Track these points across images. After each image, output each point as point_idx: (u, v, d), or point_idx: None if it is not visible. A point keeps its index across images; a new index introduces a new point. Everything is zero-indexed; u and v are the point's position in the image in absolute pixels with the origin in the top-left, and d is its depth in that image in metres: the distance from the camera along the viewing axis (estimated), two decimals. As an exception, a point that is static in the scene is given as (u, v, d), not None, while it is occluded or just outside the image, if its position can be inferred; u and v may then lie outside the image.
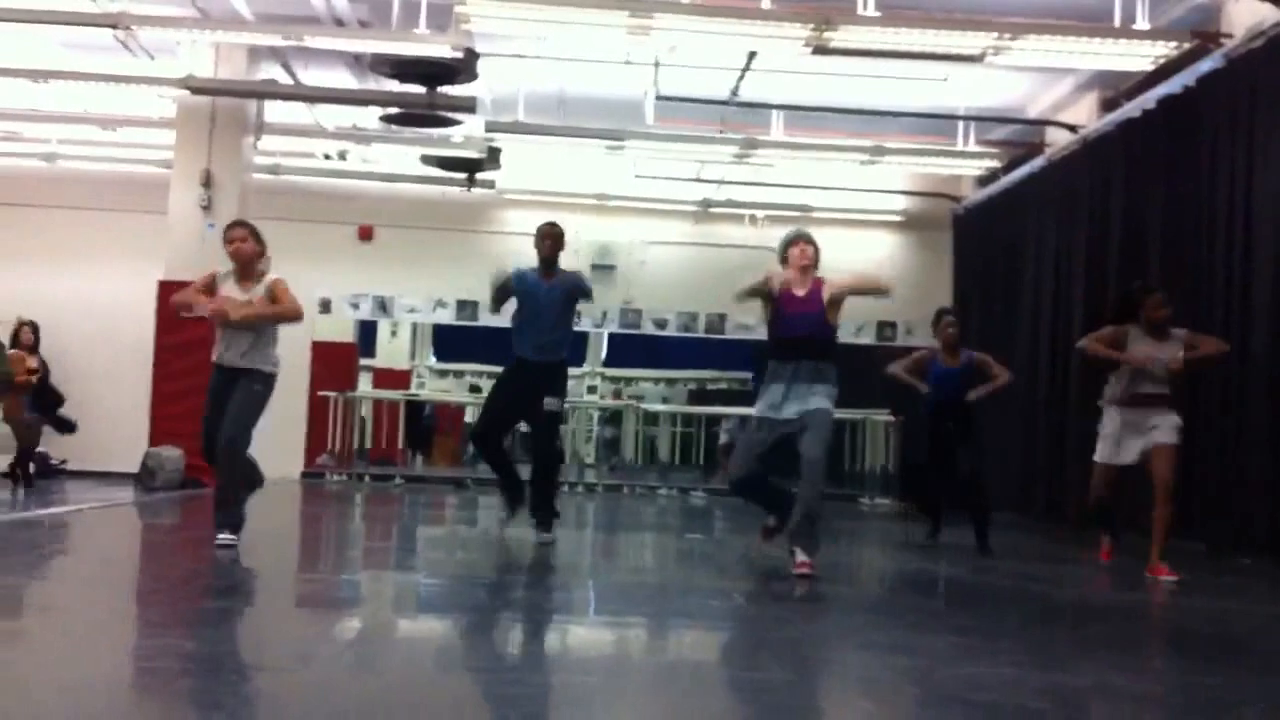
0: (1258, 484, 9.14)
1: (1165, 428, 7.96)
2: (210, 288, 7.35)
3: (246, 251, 7.29)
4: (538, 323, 8.54)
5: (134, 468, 12.89)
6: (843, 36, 10.26)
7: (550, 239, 8.63)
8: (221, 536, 7.16)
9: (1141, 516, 8.55)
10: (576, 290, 8.64)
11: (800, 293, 7.24)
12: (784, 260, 7.37)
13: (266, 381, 7.32)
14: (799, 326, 7.21)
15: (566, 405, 8.91)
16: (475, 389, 22.87)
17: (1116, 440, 8.18)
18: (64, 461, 14.80)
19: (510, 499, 8.77)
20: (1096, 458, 8.34)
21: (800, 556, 7.01)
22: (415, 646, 5.00)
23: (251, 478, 7.59)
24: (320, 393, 16.38)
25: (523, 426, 10.47)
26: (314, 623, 5.40)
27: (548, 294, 8.55)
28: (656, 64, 12.78)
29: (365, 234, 16.94)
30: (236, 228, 7.39)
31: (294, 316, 7.35)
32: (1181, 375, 8.03)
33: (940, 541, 9.83)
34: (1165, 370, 7.94)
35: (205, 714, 3.50)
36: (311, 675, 4.06)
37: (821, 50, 10.53)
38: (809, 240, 7.38)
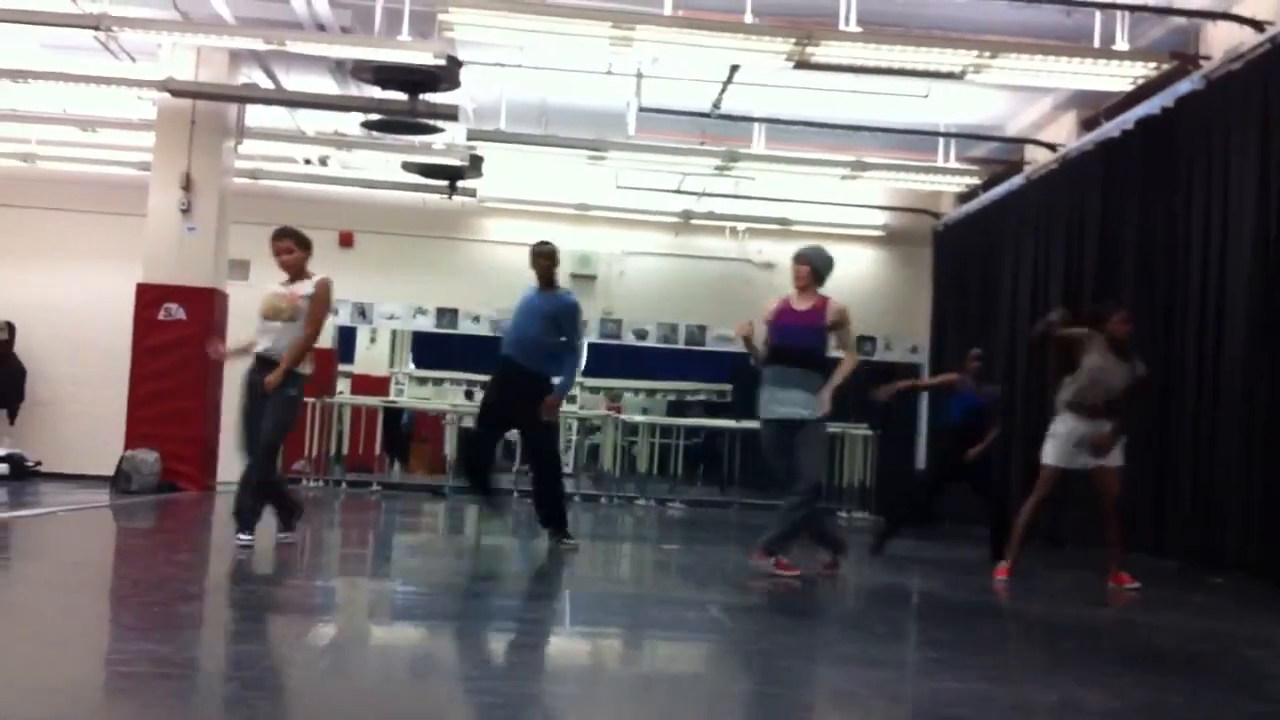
0: (1230, 503, 9.21)
1: (1115, 448, 8.17)
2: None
3: (292, 264, 7.62)
4: (520, 323, 8.86)
5: (110, 470, 12.83)
6: (824, 51, 10.31)
7: (542, 258, 8.93)
8: (243, 537, 7.49)
9: (1090, 531, 8.73)
10: (560, 310, 8.89)
11: (801, 307, 7.62)
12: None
13: (296, 382, 7.53)
14: (790, 335, 7.55)
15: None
16: (470, 395, 22.85)
17: (1067, 444, 8.26)
18: (39, 463, 14.72)
19: (488, 501, 8.95)
20: (1046, 460, 8.40)
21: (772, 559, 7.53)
22: (389, 654, 5.00)
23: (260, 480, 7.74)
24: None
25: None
26: (289, 629, 5.39)
27: (540, 304, 8.88)
28: (639, 75, 12.81)
29: (345, 240, 16.90)
30: (281, 239, 7.67)
31: (308, 344, 7.55)
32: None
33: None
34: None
35: (179, 718, 3.49)
36: (285, 681, 4.06)
37: (803, 65, 10.58)
38: (801, 260, 7.76)
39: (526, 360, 8.78)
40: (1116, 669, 5.33)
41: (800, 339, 7.53)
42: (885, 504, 16.11)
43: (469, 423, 21.36)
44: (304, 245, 7.67)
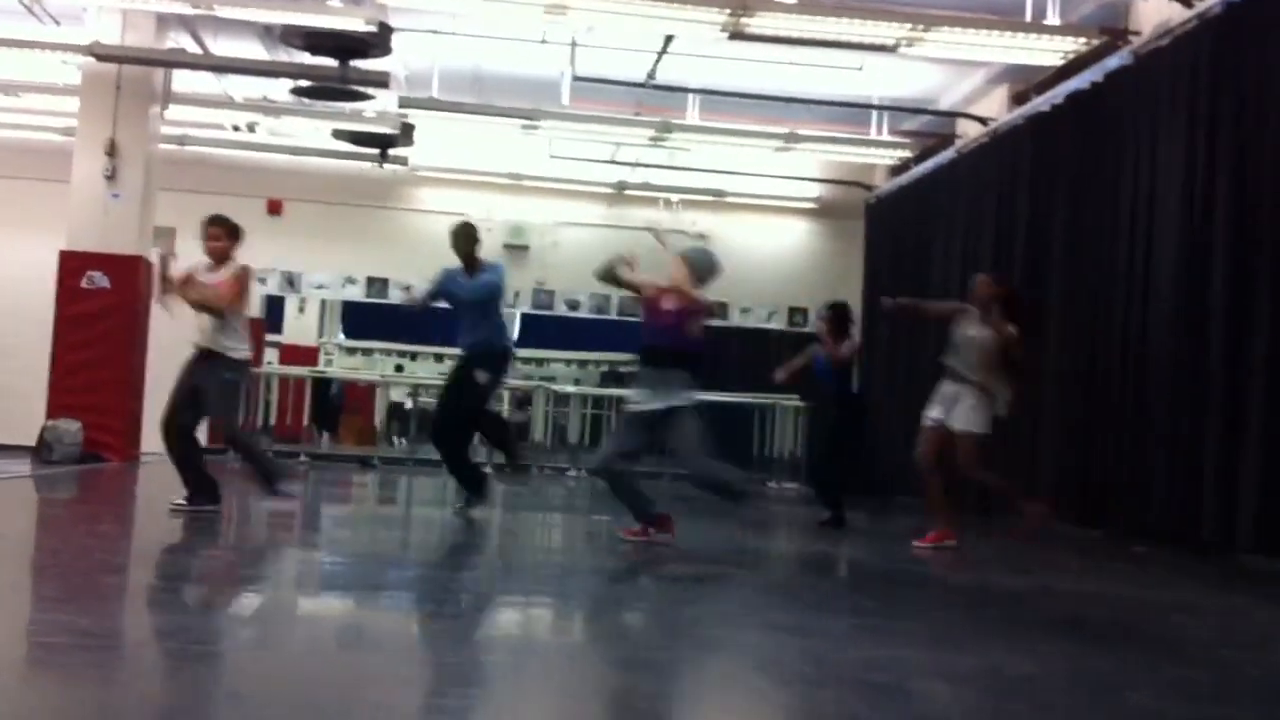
0: (1153, 474, 9.35)
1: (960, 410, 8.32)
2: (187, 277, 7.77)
3: (218, 251, 7.81)
4: (463, 316, 8.98)
5: (31, 440, 12.61)
6: (759, 22, 10.30)
7: (461, 237, 9.05)
8: (283, 488, 8.06)
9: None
10: (486, 284, 9.00)
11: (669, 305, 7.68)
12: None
13: (234, 367, 7.77)
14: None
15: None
16: (399, 369, 22.71)
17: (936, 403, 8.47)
18: (-42, 433, 14.44)
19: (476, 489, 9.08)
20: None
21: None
22: (315, 624, 4.96)
23: (250, 447, 8.43)
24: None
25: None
26: (213, 599, 5.33)
27: (470, 289, 8.92)
28: (573, 44, 12.72)
29: (274, 208, 16.69)
30: (212, 226, 7.89)
31: (215, 307, 7.70)
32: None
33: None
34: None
35: (99, 690, 3.44)
36: (209, 651, 4.01)
37: (738, 36, 10.56)
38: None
39: (476, 349, 8.96)
40: (1040, 635, 5.40)
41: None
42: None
43: (397, 395, 21.38)
44: (234, 235, 7.91)
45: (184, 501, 7.67)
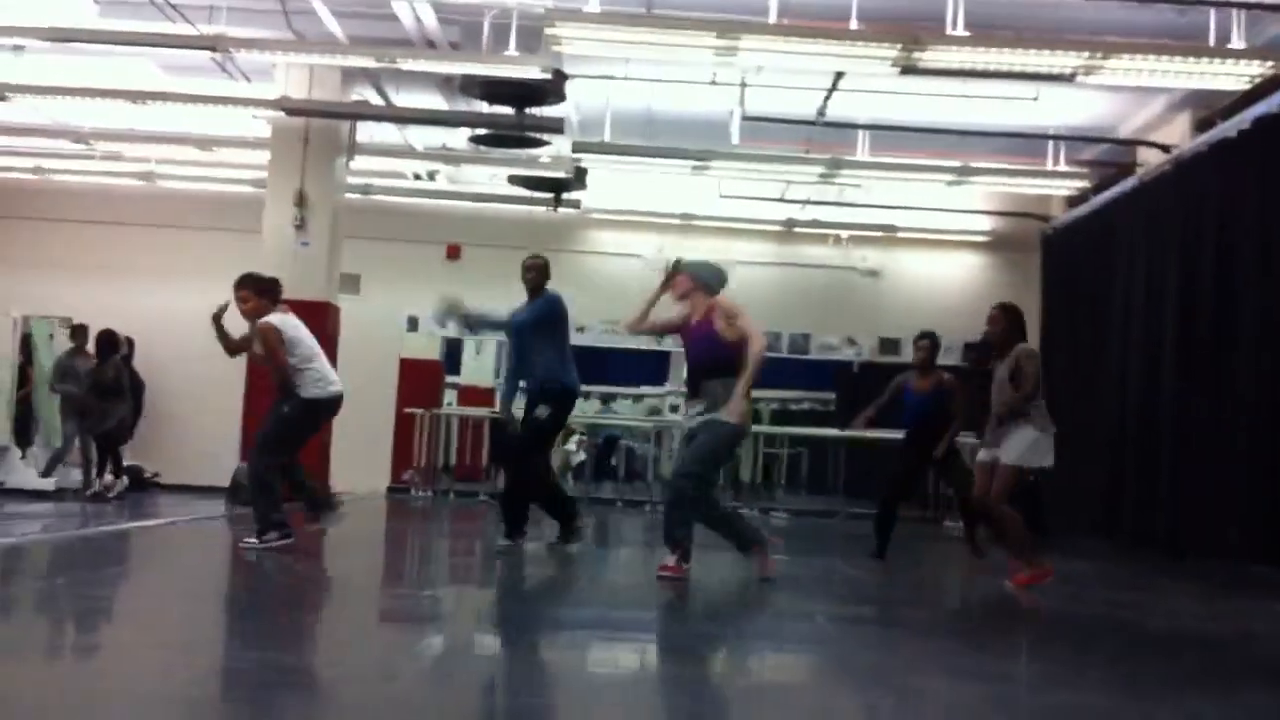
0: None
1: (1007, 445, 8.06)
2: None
3: (248, 312, 8.30)
4: (526, 350, 9.10)
5: (225, 482, 13.11)
6: (931, 56, 10.20)
7: (534, 270, 9.28)
8: (270, 538, 7.99)
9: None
10: (540, 307, 9.15)
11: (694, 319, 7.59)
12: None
13: (292, 401, 8.20)
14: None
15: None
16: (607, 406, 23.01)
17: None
18: (157, 475, 15.09)
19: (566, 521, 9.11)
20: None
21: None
22: (496, 663, 5.04)
23: (263, 482, 8.33)
24: (406, 409, 16.55)
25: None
26: (399, 637, 5.46)
27: (529, 312, 9.15)
28: (743, 84, 12.80)
29: (453, 253, 17.11)
30: (238, 288, 8.37)
31: (278, 375, 8.27)
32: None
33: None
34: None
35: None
36: (396, 689, 4.12)
37: (910, 70, 10.48)
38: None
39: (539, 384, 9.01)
40: (1239, 684, 5.19)
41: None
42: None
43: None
44: (262, 292, 8.34)
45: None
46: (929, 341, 10.02)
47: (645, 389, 23.44)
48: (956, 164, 14.12)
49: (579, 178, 15.06)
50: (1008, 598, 8.48)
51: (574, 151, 14.20)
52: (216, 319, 8.19)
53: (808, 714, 4.19)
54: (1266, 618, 7.62)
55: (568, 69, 11.81)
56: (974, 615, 7.73)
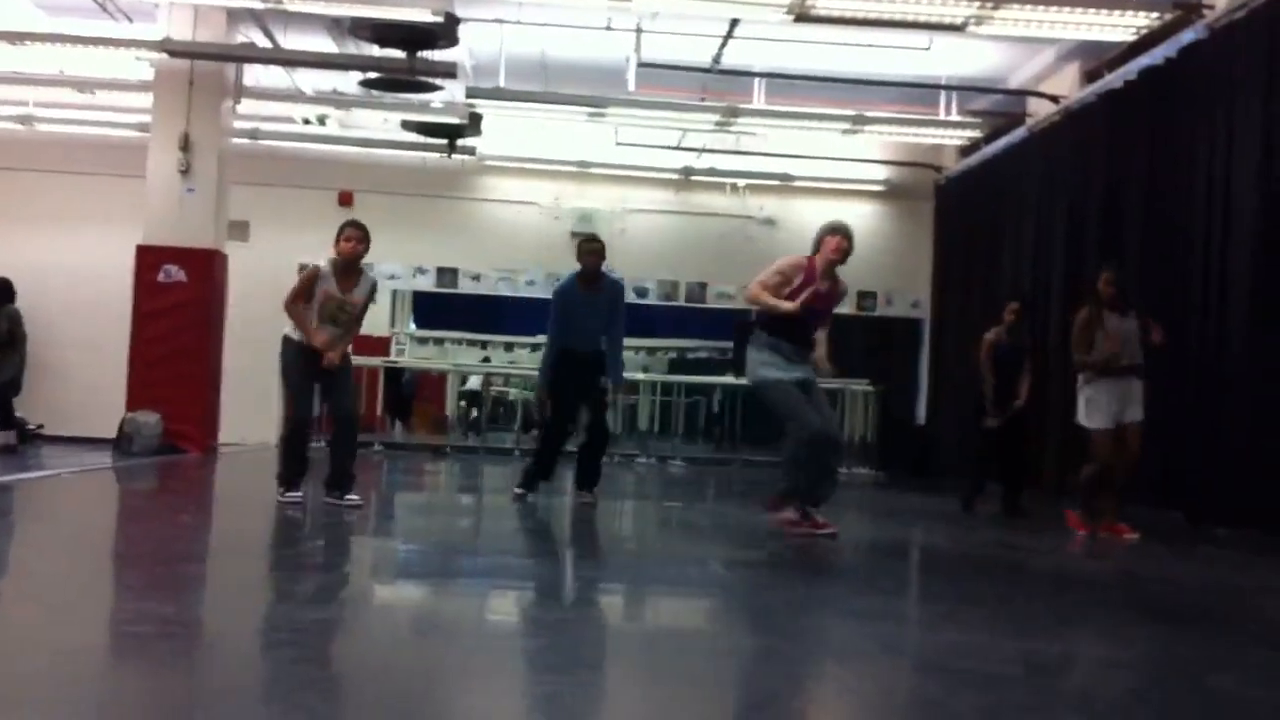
0: (1236, 456, 9.19)
1: (1138, 403, 8.46)
2: (309, 289, 7.73)
3: (359, 253, 7.75)
4: (583, 326, 9.00)
5: (112, 433, 12.84)
6: (825, 3, 10.22)
7: (594, 255, 9.09)
8: (350, 498, 7.82)
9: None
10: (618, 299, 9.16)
11: (824, 287, 7.33)
12: (818, 246, 7.42)
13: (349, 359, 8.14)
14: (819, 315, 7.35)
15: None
16: (486, 359, 22.87)
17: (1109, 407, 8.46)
18: (40, 426, 14.72)
19: (538, 481, 9.22)
20: (1095, 425, 8.52)
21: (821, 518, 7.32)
22: (391, 611, 5.00)
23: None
24: (282, 362, 16.26)
25: None
26: (291, 587, 5.39)
27: (591, 301, 9.01)
28: (639, 30, 12.71)
29: (345, 199, 16.82)
30: (351, 228, 7.80)
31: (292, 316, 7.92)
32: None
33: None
34: None
35: (184, 677, 3.50)
36: (287, 639, 4.06)
37: (804, 18, 10.49)
38: (849, 235, 7.44)
39: (590, 347, 9.00)
40: (1123, 620, 5.33)
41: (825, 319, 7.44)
42: (886, 458, 16.17)
43: (474, 383, 21.54)
44: (368, 241, 7.84)
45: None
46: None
47: (541, 338, 23.40)
48: (851, 113, 14.18)
49: (474, 124, 14.89)
50: (904, 542, 8.63)
51: (468, 97, 14.02)
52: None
53: (702, 656, 4.20)
54: (1145, 558, 7.83)
55: (460, 12, 11.63)
56: (869, 559, 7.83)
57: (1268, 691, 4.01)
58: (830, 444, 7.37)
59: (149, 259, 13.03)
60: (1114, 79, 11.84)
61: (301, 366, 7.83)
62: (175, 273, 12.96)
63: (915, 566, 7.68)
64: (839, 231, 7.43)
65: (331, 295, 7.73)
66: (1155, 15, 10.30)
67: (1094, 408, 8.51)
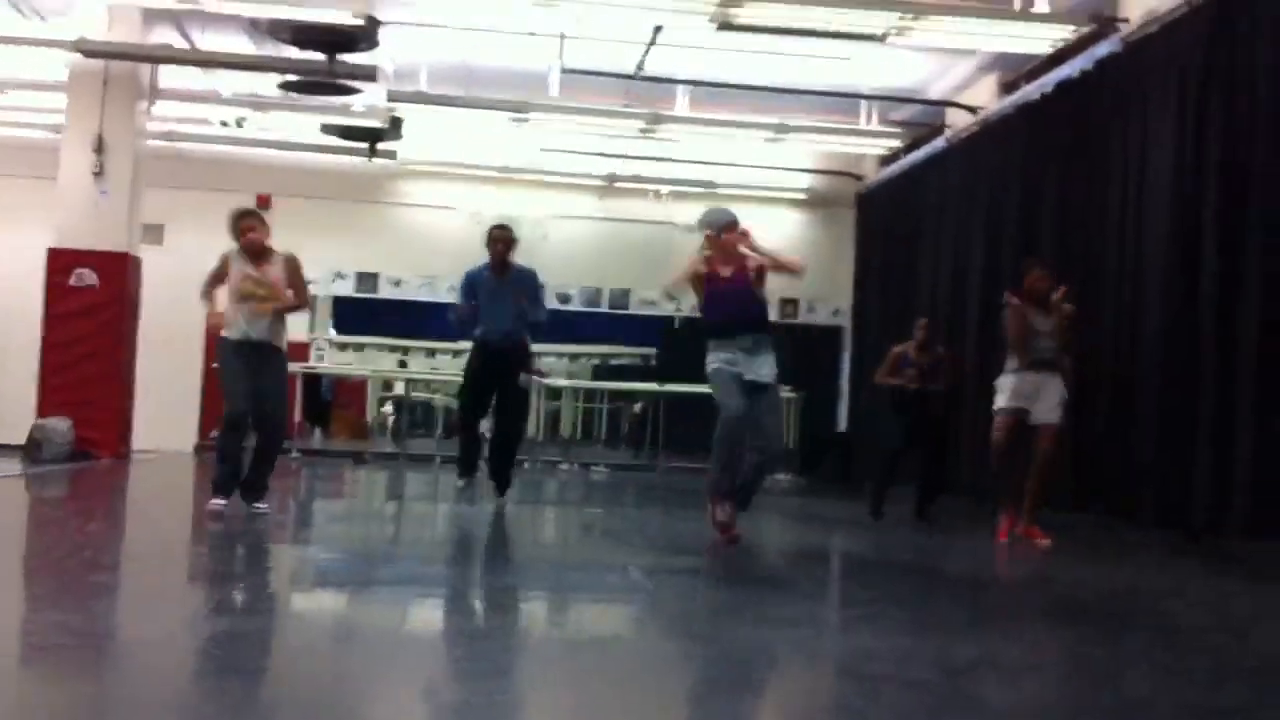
0: (1145, 461, 9.35)
1: (1052, 404, 8.50)
2: (222, 275, 7.76)
3: (262, 239, 7.77)
4: (491, 312, 9.19)
5: (21, 439, 12.56)
6: (748, 13, 10.26)
7: (500, 243, 9.36)
8: (258, 506, 7.75)
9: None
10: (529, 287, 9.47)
11: (726, 272, 7.43)
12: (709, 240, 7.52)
13: (285, 358, 8.04)
14: (731, 303, 7.38)
15: None
16: (403, 364, 22.65)
17: (1019, 394, 8.55)
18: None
19: (469, 469, 9.39)
20: (996, 405, 8.67)
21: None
22: (305, 620, 4.93)
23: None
24: (215, 364, 16.05)
25: None
26: (203, 596, 5.30)
27: (498, 287, 9.27)
28: (562, 36, 12.68)
29: (263, 203, 16.55)
30: (245, 219, 7.84)
31: (301, 308, 8.12)
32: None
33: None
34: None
35: (87, 687, 3.42)
36: (199, 647, 3.99)
37: (727, 26, 10.52)
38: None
39: (499, 335, 9.20)
40: (1036, 623, 5.39)
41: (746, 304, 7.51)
42: (808, 465, 16.26)
43: (400, 389, 21.35)
44: (266, 226, 7.90)
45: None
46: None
47: (464, 344, 23.24)
48: (774, 121, 14.26)
49: (395, 127, 14.77)
50: (824, 547, 8.67)
51: (389, 100, 13.89)
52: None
53: (620, 662, 4.19)
54: (1061, 561, 7.94)
55: (381, 15, 11.53)
56: (790, 564, 7.87)
57: (1175, 692, 4.07)
58: (741, 430, 7.18)
59: (60, 262, 12.78)
60: (1031, 90, 12.00)
61: (235, 364, 7.72)
62: (87, 276, 12.72)
63: (835, 572, 7.72)
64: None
65: (247, 275, 7.70)
66: (1072, 28, 10.45)
67: (1001, 390, 8.62)
